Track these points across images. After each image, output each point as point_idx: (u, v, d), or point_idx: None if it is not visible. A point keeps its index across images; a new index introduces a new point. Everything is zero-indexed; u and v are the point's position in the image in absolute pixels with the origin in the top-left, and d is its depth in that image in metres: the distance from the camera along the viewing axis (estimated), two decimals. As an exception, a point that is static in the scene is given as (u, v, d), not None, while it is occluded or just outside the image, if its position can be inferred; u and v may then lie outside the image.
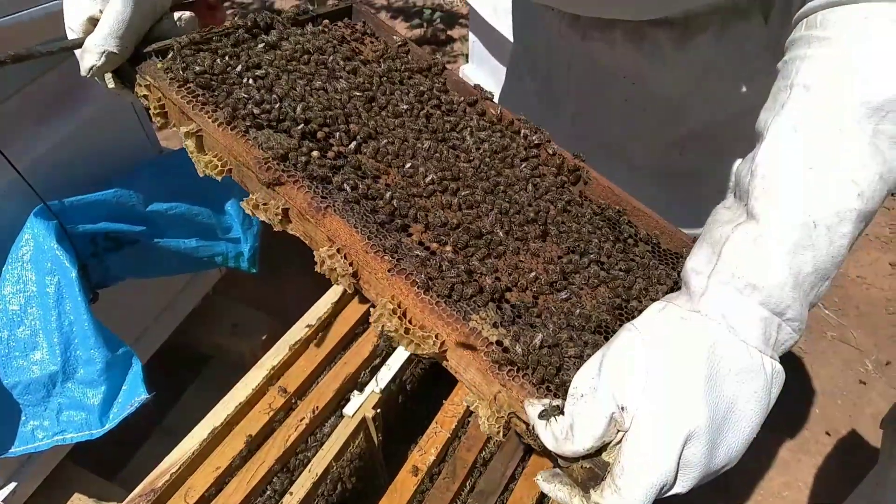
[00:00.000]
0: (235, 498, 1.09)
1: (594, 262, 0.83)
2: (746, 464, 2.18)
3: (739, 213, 0.62)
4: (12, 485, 1.60)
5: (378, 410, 1.20)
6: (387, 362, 1.26)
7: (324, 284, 1.06)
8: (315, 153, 0.81)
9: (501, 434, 0.63)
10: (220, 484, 1.11)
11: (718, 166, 1.22)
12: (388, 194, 0.80)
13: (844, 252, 0.59)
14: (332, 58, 0.99)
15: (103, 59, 0.82)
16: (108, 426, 1.35)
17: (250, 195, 0.81)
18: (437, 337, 0.67)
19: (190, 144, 0.84)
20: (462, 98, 1.05)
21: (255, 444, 1.16)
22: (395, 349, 1.28)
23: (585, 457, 0.55)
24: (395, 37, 1.10)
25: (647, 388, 0.54)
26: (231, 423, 1.18)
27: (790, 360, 2.42)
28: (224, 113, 0.83)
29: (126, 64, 0.86)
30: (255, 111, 0.84)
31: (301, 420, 1.18)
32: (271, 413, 1.19)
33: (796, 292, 0.57)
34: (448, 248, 0.77)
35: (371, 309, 0.70)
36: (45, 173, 1.45)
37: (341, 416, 1.19)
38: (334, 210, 0.76)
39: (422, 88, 1.01)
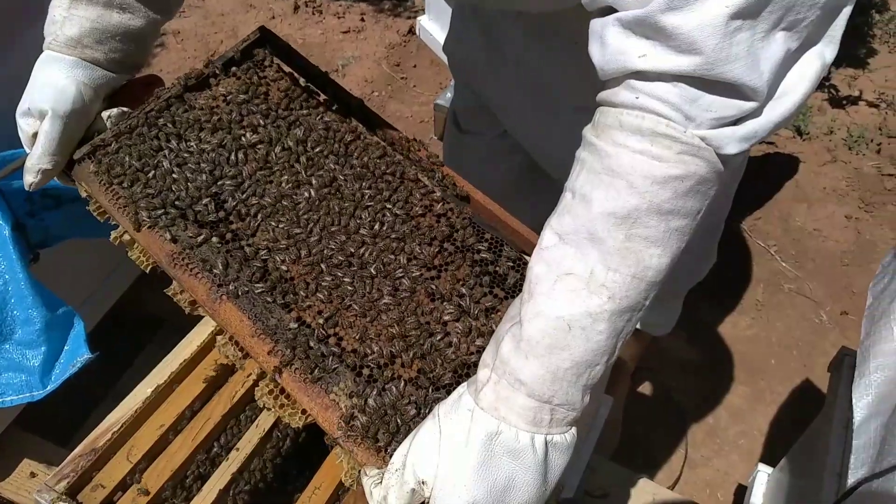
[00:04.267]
0: (180, 455, 1.07)
1: (452, 311, 0.86)
2: (704, 416, 2.24)
3: (519, 311, 0.70)
4: (-44, 451, 1.55)
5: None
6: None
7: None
8: (214, 239, 0.88)
9: (356, 486, 0.78)
10: (164, 442, 1.09)
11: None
12: (275, 274, 0.87)
13: (606, 343, 0.66)
14: (232, 117, 1.00)
15: (39, 175, 0.95)
16: (51, 387, 1.31)
17: (172, 284, 0.92)
18: (303, 412, 0.80)
19: (125, 240, 0.95)
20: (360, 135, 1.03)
21: (199, 402, 1.14)
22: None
23: None
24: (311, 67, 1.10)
25: (439, 468, 0.66)
26: (175, 381, 1.15)
27: (748, 314, 2.46)
28: (132, 211, 0.90)
29: (66, 169, 0.98)
30: (165, 205, 0.91)
31: (248, 376, 1.15)
32: (217, 370, 1.16)
33: (557, 385, 0.66)
34: (321, 319, 0.84)
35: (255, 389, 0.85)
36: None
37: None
38: (227, 295, 0.85)
39: (319, 133, 1.00)
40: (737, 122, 0.64)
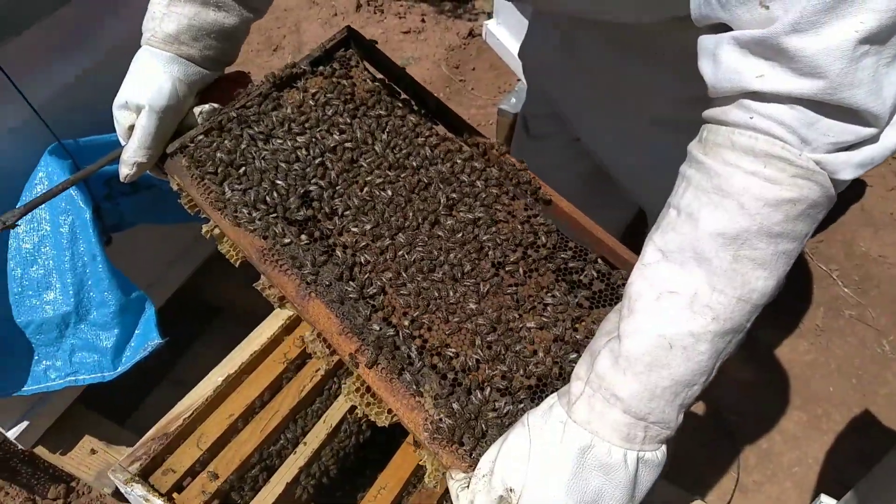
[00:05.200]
0: (248, 446, 1.08)
1: (536, 319, 0.86)
2: (758, 440, 2.18)
3: (616, 326, 0.69)
4: (24, 423, 1.60)
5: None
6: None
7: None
8: (303, 237, 0.89)
9: (439, 487, 0.79)
10: (233, 431, 1.10)
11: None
12: (362, 275, 0.88)
13: (707, 364, 0.66)
14: (320, 116, 1.00)
15: (135, 168, 0.99)
16: (121, 369, 1.34)
17: (261, 279, 0.94)
18: (389, 411, 0.81)
19: (216, 234, 0.98)
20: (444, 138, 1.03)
21: (268, 394, 1.15)
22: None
23: None
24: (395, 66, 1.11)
25: (528, 477, 0.66)
26: (245, 371, 1.16)
27: (807, 338, 2.39)
28: (222, 206, 0.93)
29: (158, 162, 1.01)
30: (255, 202, 0.92)
31: (316, 371, 1.16)
32: (286, 363, 1.17)
33: (654, 402, 0.65)
34: (406, 321, 0.84)
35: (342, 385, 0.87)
36: (61, 111, 1.42)
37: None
38: (316, 293, 0.86)
39: (405, 135, 1.01)
40: (851, 146, 0.63)
